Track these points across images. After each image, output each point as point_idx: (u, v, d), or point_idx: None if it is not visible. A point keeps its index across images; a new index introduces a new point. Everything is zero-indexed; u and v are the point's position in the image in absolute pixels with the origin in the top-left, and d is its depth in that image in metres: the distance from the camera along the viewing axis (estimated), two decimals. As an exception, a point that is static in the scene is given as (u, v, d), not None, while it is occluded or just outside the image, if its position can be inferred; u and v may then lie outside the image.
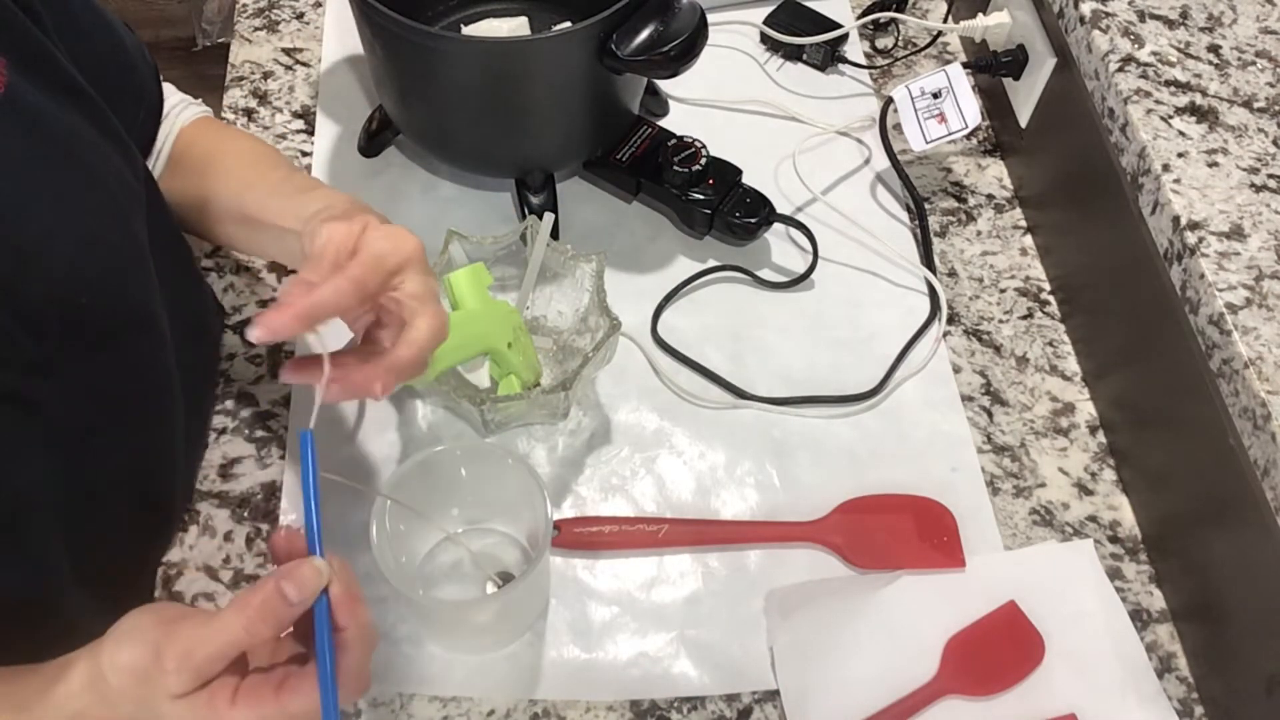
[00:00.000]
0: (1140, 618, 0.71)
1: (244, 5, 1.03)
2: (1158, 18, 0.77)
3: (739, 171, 0.87)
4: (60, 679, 0.49)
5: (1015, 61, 0.90)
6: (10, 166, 0.53)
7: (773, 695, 0.67)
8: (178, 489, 0.73)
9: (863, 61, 1.01)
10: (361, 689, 0.48)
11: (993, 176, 0.94)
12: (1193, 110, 0.72)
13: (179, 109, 0.75)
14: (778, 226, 0.87)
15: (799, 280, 0.85)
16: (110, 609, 0.50)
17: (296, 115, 0.95)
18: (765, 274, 0.86)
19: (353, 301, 0.52)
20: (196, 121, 0.75)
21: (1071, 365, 0.83)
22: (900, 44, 1.03)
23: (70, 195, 0.57)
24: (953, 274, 0.87)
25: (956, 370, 0.82)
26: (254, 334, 0.48)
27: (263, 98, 0.96)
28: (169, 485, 0.72)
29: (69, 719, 0.49)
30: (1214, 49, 0.76)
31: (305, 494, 0.49)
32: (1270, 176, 0.69)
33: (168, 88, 0.75)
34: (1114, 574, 0.73)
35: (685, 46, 0.75)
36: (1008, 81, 0.93)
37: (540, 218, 0.73)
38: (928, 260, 0.87)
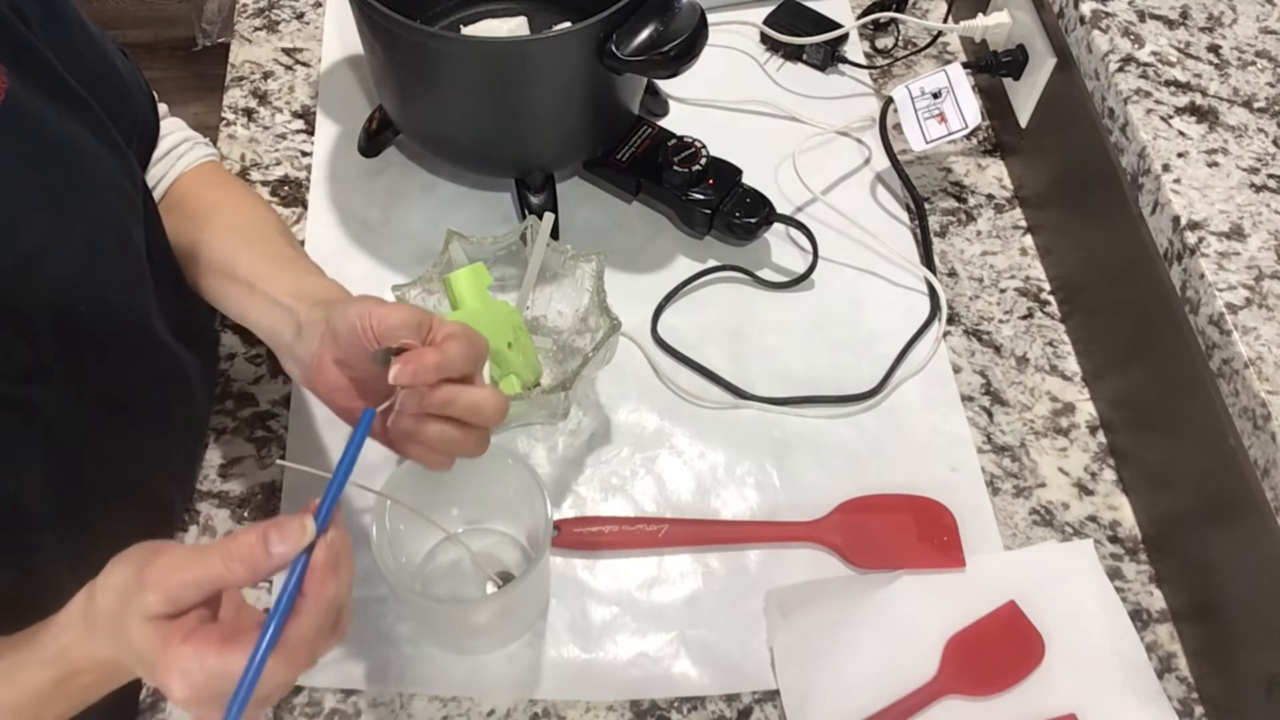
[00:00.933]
0: (1140, 618, 0.71)
1: (244, 5, 1.03)
2: (1158, 18, 0.77)
3: (739, 171, 0.87)
4: (63, 609, 0.50)
5: (1015, 61, 0.90)
6: (10, 174, 0.53)
7: (773, 695, 0.67)
8: (178, 489, 0.73)
9: (863, 61, 1.01)
10: (300, 660, 0.46)
11: (993, 176, 0.94)
12: (1193, 110, 0.72)
13: (184, 149, 0.73)
14: (778, 226, 0.87)
15: (799, 280, 0.85)
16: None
17: (296, 115, 0.95)
18: (765, 274, 0.86)
19: (468, 369, 0.55)
20: (201, 167, 0.73)
21: (1071, 365, 0.83)
22: (900, 44, 1.03)
23: (69, 203, 0.57)
24: (953, 274, 0.87)
25: (956, 370, 0.82)
26: (400, 374, 0.52)
27: (263, 98, 0.96)
28: (169, 485, 0.72)
29: (57, 653, 0.50)
30: (1214, 49, 0.76)
31: (341, 462, 0.50)
32: (1270, 176, 0.69)
33: (175, 122, 0.74)
34: (1114, 574, 0.73)
35: (685, 46, 0.75)
36: (1008, 81, 0.93)
37: (540, 218, 0.73)
38: (928, 260, 0.87)
